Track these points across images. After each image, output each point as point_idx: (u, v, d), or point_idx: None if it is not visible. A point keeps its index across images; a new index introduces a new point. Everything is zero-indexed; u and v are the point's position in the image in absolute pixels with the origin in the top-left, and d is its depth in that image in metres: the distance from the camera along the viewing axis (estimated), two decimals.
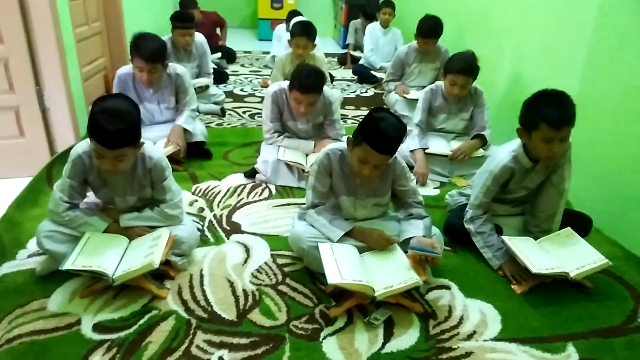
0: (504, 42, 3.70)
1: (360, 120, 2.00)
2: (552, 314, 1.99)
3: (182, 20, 4.01)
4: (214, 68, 4.88)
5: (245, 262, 2.21)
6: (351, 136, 2.02)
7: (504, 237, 2.20)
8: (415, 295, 2.04)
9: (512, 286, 2.14)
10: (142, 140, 1.98)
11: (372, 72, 5.46)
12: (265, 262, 2.21)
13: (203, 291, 1.99)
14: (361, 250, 2.06)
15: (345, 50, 6.69)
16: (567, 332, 1.90)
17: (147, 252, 1.91)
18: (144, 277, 1.93)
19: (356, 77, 5.68)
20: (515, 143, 2.26)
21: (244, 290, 2.02)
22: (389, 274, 1.89)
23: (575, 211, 2.50)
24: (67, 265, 1.81)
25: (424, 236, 2.00)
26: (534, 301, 2.06)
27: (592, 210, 2.47)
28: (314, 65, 3.02)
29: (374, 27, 5.55)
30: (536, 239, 2.27)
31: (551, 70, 3.12)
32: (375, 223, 2.20)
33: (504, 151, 2.28)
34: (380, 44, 5.53)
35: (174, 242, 2.03)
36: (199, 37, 4.60)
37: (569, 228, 2.26)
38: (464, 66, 3.09)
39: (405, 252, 2.01)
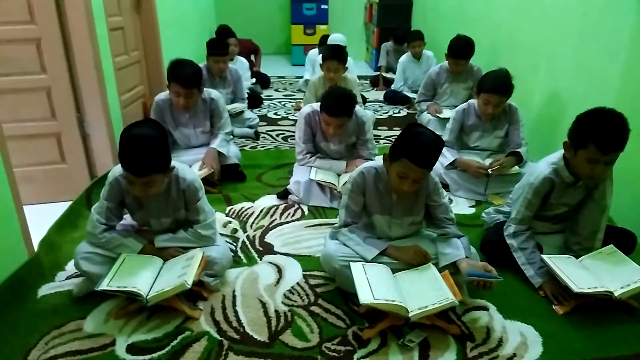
0: (538, 58, 3.64)
1: (394, 138, 1.98)
2: (596, 336, 1.90)
3: (217, 47, 4.11)
4: (248, 93, 4.99)
5: (278, 282, 2.20)
6: (387, 153, 2.00)
7: (544, 256, 2.13)
8: (452, 316, 1.98)
9: (554, 307, 2.06)
10: (172, 164, 2.01)
11: (405, 93, 5.44)
12: (298, 283, 2.20)
13: (235, 312, 1.99)
14: (394, 271, 2.02)
15: (377, 72, 6.71)
16: (612, 355, 1.81)
17: (181, 272, 1.93)
18: (177, 298, 1.94)
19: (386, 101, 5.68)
20: (556, 156, 2.21)
21: (276, 311, 2.00)
22: (424, 293, 1.84)
23: (619, 228, 2.41)
24: (103, 286, 1.84)
25: (466, 257, 1.96)
26: (577, 322, 1.97)
27: (636, 227, 2.37)
28: (344, 88, 3.03)
29: (407, 61, 5.50)
30: (578, 257, 2.18)
31: (586, 85, 3.04)
32: (410, 242, 2.16)
33: (544, 163, 2.23)
34: (416, 74, 5.49)
35: (206, 263, 2.04)
36: (237, 62, 4.76)
37: (612, 245, 2.17)
38: (497, 85, 3.05)
39: (440, 270, 1.96)
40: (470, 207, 3.01)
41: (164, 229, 2.17)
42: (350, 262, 1.97)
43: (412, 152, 1.87)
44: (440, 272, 1.94)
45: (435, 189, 2.11)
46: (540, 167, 2.23)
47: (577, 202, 2.24)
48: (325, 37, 6.03)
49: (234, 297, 2.09)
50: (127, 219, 2.26)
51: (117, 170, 2.04)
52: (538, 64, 3.64)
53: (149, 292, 1.88)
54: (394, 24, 7.09)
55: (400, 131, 1.99)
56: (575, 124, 2.08)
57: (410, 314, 1.75)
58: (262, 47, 6.58)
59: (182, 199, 2.12)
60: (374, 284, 1.82)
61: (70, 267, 2.25)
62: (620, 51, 2.72)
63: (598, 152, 1.96)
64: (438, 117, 4.20)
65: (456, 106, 4.28)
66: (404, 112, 5.24)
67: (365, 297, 1.75)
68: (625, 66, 2.69)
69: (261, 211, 2.87)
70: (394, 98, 5.55)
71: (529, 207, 2.23)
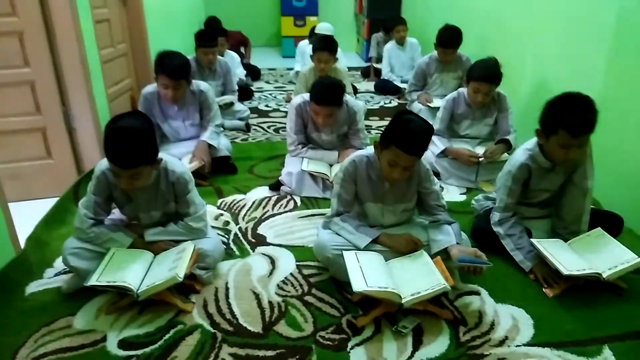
0: (525, 47, 3.65)
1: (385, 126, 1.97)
2: (586, 317, 1.92)
3: (205, 38, 4.07)
4: (238, 85, 4.95)
5: (271, 273, 2.19)
6: (378, 141, 1.99)
7: (533, 240, 2.14)
8: (444, 301, 1.99)
9: (544, 290, 2.07)
10: (160, 157, 1.99)
11: (395, 82, 5.43)
12: (291, 273, 2.19)
13: (228, 304, 1.98)
14: (387, 258, 2.02)
15: (368, 64, 6.69)
16: (602, 335, 1.83)
17: (172, 266, 1.91)
18: (169, 291, 1.93)
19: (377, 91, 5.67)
20: (531, 142, 2.23)
21: (270, 302, 1.99)
22: (416, 280, 1.84)
23: (605, 211, 2.42)
24: (92, 281, 1.82)
25: (457, 243, 1.96)
26: (567, 304, 1.99)
27: (622, 210, 2.39)
28: (332, 78, 3.02)
29: (391, 47, 5.55)
30: (566, 240, 2.20)
31: (574, 72, 3.06)
32: (402, 229, 2.16)
33: (520, 150, 2.25)
34: (402, 60, 5.52)
35: (198, 256, 2.02)
36: (228, 56, 4.73)
37: (599, 228, 2.18)
38: (487, 74, 3.05)
39: (432, 257, 1.96)
40: (461, 194, 3.01)
41: (153, 223, 2.15)
42: (343, 251, 1.96)
43: (402, 139, 1.86)
44: (432, 259, 1.94)
45: (426, 176, 2.11)
46: (518, 154, 2.24)
47: (558, 187, 2.25)
48: (315, 29, 6.00)
49: (227, 289, 2.07)
50: (116, 213, 2.24)
51: (104, 163, 2.01)
52: (525, 52, 3.65)
53: (140, 286, 1.86)
54: (383, 14, 7.06)
55: (392, 118, 1.98)
56: (544, 111, 2.10)
57: (404, 301, 1.75)
58: (253, 39, 6.55)
59: (171, 191, 2.10)
60: (366, 272, 1.82)
61: (58, 264, 2.22)
62: (606, 38, 2.73)
63: (568, 136, 1.98)
64: (429, 106, 4.20)
65: (446, 96, 4.31)
66: (394, 102, 5.23)
67: (358, 285, 1.74)
68: (611, 53, 2.71)
69: (253, 203, 2.85)
70: (384, 88, 5.54)
71: (510, 195, 2.24)
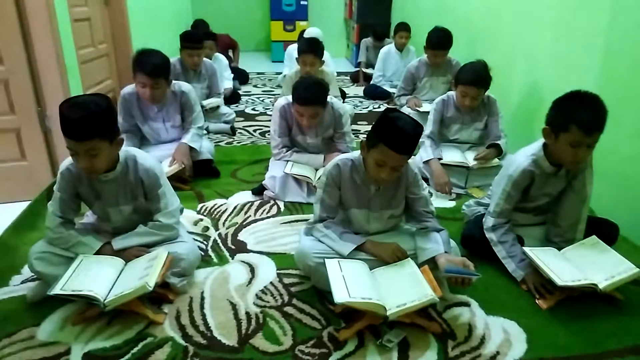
0: (516, 50, 3.58)
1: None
2: (582, 331, 1.82)
3: (190, 40, 3.96)
4: (227, 91, 4.85)
5: (250, 282, 2.07)
6: (365, 139, 1.89)
7: (526, 248, 2.04)
8: (432, 313, 1.88)
9: (537, 301, 1.97)
10: (122, 137, 1.90)
11: (385, 87, 5.35)
12: (271, 282, 2.07)
13: (203, 315, 1.86)
14: (372, 267, 1.91)
15: (357, 69, 6.62)
16: (599, 351, 1.73)
17: (142, 274, 1.79)
18: (139, 301, 1.81)
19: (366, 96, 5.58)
20: (535, 147, 2.13)
21: (247, 313, 1.88)
22: (402, 290, 1.73)
23: (600, 218, 2.32)
24: (56, 290, 1.69)
25: (445, 252, 1.86)
26: (562, 317, 1.89)
27: (617, 218, 2.29)
28: (315, 78, 2.92)
29: (388, 51, 5.43)
30: (560, 249, 2.11)
31: (565, 74, 2.98)
32: (388, 237, 2.05)
33: (522, 155, 2.14)
34: (397, 66, 5.41)
35: (171, 262, 1.90)
36: (217, 60, 4.65)
37: (594, 236, 2.09)
38: (475, 77, 2.97)
39: (419, 266, 1.86)
40: (450, 200, 2.91)
41: (125, 219, 2.04)
42: (325, 259, 1.85)
43: (390, 137, 1.76)
44: (419, 268, 1.84)
45: (414, 180, 2.01)
46: (519, 158, 2.14)
47: (557, 193, 2.16)
48: (303, 33, 5.93)
49: (202, 299, 1.95)
50: (89, 216, 2.14)
51: (67, 160, 1.92)
52: (516, 55, 3.58)
53: (108, 295, 1.74)
54: (373, 19, 7.01)
55: (379, 116, 1.87)
56: (553, 109, 2.02)
57: (389, 313, 1.64)
58: (242, 43, 6.47)
59: (140, 186, 2.00)
60: (349, 282, 1.71)
61: (27, 271, 2.07)
62: (598, 41, 2.66)
63: (581, 133, 1.89)
64: (418, 110, 4.11)
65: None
66: (383, 107, 5.14)
67: (340, 295, 1.63)
68: (603, 56, 2.64)
69: (235, 208, 2.74)
70: (373, 93, 5.45)
71: (508, 200, 2.15)
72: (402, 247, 1.94)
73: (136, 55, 2.80)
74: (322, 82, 2.81)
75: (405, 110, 4.24)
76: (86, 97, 1.82)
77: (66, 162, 1.93)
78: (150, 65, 2.76)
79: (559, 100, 2.00)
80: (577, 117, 1.89)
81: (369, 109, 5.08)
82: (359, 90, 5.83)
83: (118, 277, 1.86)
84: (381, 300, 1.66)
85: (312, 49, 3.68)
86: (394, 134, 1.76)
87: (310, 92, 2.72)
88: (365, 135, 4.06)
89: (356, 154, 2.02)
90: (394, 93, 5.06)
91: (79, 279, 1.77)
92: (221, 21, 7.42)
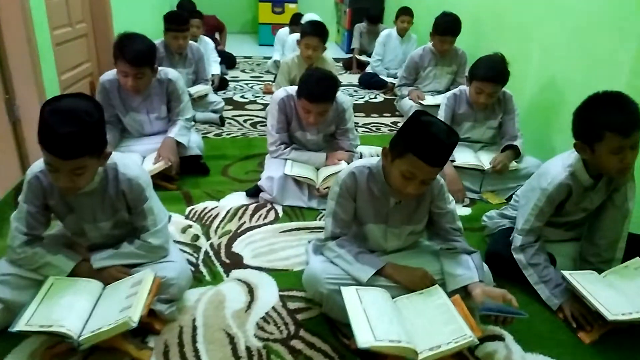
0: (530, 40, 3.29)
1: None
2: None
3: (175, 21, 3.61)
4: (213, 74, 4.54)
5: (249, 307, 1.80)
6: (388, 147, 1.62)
7: (565, 273, 1.79)
8: (464, 350, 1.61)
9: (579, 335, 1.73)
10: (109, 151, 1.59)
11: (382, 76, 5.07)
12: (273, 307, 1.81)
13: (195, 350, 1.59)
14: (393, 294, 1.65)
15: (350, 55, 6.32)
16: None
17: (124, 303, 1.50)
18: (120, 335, 1.52)
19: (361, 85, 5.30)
20: (571, 156, 1.89)
21: (248, 348, 1.61)
22: (434, 328, 1.48)
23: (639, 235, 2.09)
24: (20, 325, 1.41)
25: (480, 281, 1.60)
26: (609, 354, 1.66)
27: None
28: (325, 70, 2.63)
29: (388, 35, 5.13)
30: (597, 270, 1.87)
31: (589, 69, 2.70)
32: (409, 257, 1.79)
33: (557, 166, 1.90)
34: (396, 52, 5.13)
35: (159, 287, 1.62)
36: (202, 42, 4.33)
37: (638, 258, 1.86)
38: (492, 73, 2.69)
39: (448, 294, 1.61)
40: (465, 206, 2.66)
41: (103, 236, 1.74)
42: (341, 288, 1.58)
43: (422, 146, 1.50)
44: (449, 297, 1.58)
45: (440, 192, 1.75)
46: (553, 169, 1.90)
47: (595, 208, 1.93)
48: (296, 16, 5.63)
49: (194, 328, 1.68)
50: (60, 225, 1.83)
51: (37, 166, 1.62)
52: (530, 47, 3.29)
53: (82, 331, 1.45)
54: (366, 3, 6.69)
55: (406, 120, 1.60)
56: (578, 121, 1.80)
57: (420, 357, 1.39)
58: (228, 25, 6.13)
59: (122, 200, 1.70)
60: (372, 318, 1.45)
61: None
62: (633, 32, 2.38)
63: (619, 137, 1.68)
64: (421, 103, 3.85)
65: (439, 92, 3.98)
66: (380, 98, 4.86)
67: (364, 338, 1.37)
68: (637, 48, 2.36)
69: (227, 213, 2.46)
70: (369, 82, 5.16)
71: (539, 217, 1.91)
72: (430, 273, 1.68)
73: (118, 40, 2.48)
74: (334, 76, 2.54)
75: (407, 102, 3.99)
76: (74, 103, 1.48)
77: (35, 167, 1.63)
78: (133, 53, 2.44)
79: (581, 109, 1.80)
80: (607, 121, 1.69)
81: (365, 99, 4.80)
82: (353, 78, 5.54)
83: (95, 304, 1.57)
84: (411, 342, 1.40)
85: (317, 31, 3.40)
86: (427, 142, 1.49)
87: (322, 87, 2.44)
88: (363, 129, 3.84)
89: (374, 160, 1.75)
90: (391, 83, 4.81)
91: (49, 309, 1.49)
92: (207, 1, 7.02)
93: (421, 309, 1.57)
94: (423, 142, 1.50)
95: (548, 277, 1.86)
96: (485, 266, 1.75)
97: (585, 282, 1.75)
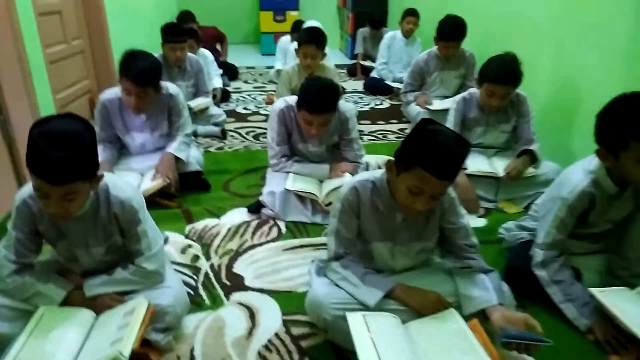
0: (543, 38, 3.14)
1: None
2: None
3: (172, 33, 3.54)
4: (215, 88, 4.44)
5: (250, 333, 1.69)
6: (393, 159, 1.50)
7: (594, 291, 1.66)
8: None
9: (610, 358, 1.59)
10: (101, 173, 1.49)
11: (387, 82, 4.97)
12: (276, 334, 1.69)
13: None
14: (403, 318, 1.53)
15: (354, 61, 6.22)
16: None
17: (115, 335, 1.40)
18: None
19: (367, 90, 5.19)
20: (593, 162, 1.75)
21: None
22: (451, 357, 1.35)
23: None
24: None
25: (500, 304, 1.48)
26: None
27: None
28: (325, 79, 2.52)
29: (393, 37, 5.02)
30: (630, 285, 1.73)
31: (607, 64, 2.55)
32: (419, 276, 1.67)
33: (578, 172, 1.77)
34: (400, 55, 5.02)
35: (153, 315, 1.52)
36: (201, 55, 4.23)
37: None
38: (504, 74, 2.55)
39: (465, 318, 1.49)
40: (479, 217, 2.52)
41: (96, 262, 1.65)
42: (347, 313, 1.46)
43: (430, 159, 1.37)
44: (466, 322, 1.46)
45: (451, 207, 1.62)
46: (574, 176, 1.77)
47: (622, 218, 1.79)
48: (298, 23, 5.53)
49: (193, 358, 1.57)
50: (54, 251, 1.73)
51: (25, 191, 1.53)
52: (542, 43, 3.14)
53: None
54: (369, 7, 6.60)
55: (411, 130, 1.49)
56: (601, 124, 1.66)
57: None
58: (229, 35, 6.06)
59: (114, 223, 1.61)
60: (382, 349, 1.32)
61: None
62: None
63: None
64: (428, 108, 3.73)
65: (447, 96, 3.85)
66: (386, 104, 4.75)
67: None
68: None
69: (229, 230, 2.35)
70: (374, 87, 5.06)
71: (561, 229, 1.77)
72: (443, 295, 1.55)
73: (124, 58, 2.41)
74: (334, 84, 2.43)
75: (414, 108, 3.87)
76: (65, 125, 1.39)
77: (23, 192, 1.53)
78: (137, 71, 2.37)
79: (604, 113, 1.66)
80: (632, 129, 1.55)
81: (370, 105, 4.69)
82: (358, 84, 5.44)
83: (87, 336, 1.47)
84: None
85: (313, 39, 3.28)
86: (435, 153, 1.37)
87: (322, 97, 2.33)
88: (369, 137, 3.73)
89: (377, 173, 1.63)
90: (397, 88, 4.70)
91: (38, 343, 1.40)
92: (207, 12, 6.96)
93: (436, 335, 1.44)
94: (431, 153, 1.38)
95: (574, 295, 1.72)
96: (505, 285, 1.63)
97: (616, 300, 1.61)
